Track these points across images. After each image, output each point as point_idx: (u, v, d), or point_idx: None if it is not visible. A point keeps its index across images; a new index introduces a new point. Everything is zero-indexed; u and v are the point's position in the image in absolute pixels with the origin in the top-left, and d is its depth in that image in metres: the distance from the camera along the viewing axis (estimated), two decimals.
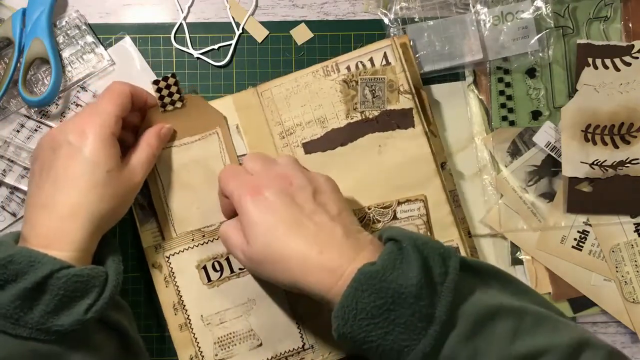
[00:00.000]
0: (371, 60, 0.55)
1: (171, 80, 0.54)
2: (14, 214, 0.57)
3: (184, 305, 0.54)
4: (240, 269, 0.55)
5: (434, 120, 0.56)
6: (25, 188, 0.57)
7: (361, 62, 0.55)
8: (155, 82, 0.53)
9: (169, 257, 0.54)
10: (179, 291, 0.54)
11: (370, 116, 0.55)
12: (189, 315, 0.54)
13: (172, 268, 0.54)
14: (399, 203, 0.55)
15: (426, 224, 0.55)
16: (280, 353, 0.54)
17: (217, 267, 0.54)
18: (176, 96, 0.54)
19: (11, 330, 0.42)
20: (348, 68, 0.55)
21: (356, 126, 0.55)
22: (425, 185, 0.55)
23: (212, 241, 0.55)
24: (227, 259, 0.55)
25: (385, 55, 0.55)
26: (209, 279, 0.54)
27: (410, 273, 0.41)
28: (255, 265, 0.46)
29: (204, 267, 0.54)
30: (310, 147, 0.55)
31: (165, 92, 0.54)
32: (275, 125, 0.55)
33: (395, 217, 0.55)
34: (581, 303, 0.58)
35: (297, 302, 0.54)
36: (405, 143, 0.55)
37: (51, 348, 0.43)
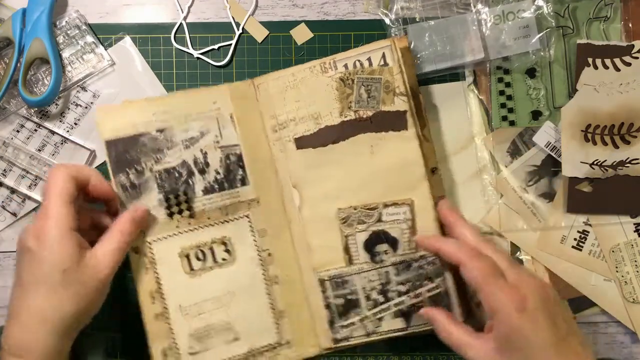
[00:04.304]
0: (369, 59, 0.54)
1: (182, 198, 0.53)
2: (14, 214, 0.57)
3: (162, 294, 0.53)
4: (223, 259, 0.54)
5: (428, 124, 0.55)
6: (25, 190, 0.57)
7: (359, 61, 0.55)
8: (166, 200, 0.53)
9: (151, 243, 0.53)
10: (159, 279, 0.53)
11: (364, 116, 0.54)
12: (166, 305, 0.53)
13: (153, 254, 0.53)
14: (385, 205, 0.54)
15: (411, 228, 0.54)
16: (256, 348, 0.54)
17: (201, 256, 0.54)
18: (186, 213, 0.54)
19: None
20: (346, 66, 0.55)
21: (349, 125, 0.55)
22: (414, 189, 0.54)
23: (197, 229, 0.54)
24: (211, 249, 0.54)
25: (383, 56, 0.54)
26: (191, 268, 0.54)
27: None
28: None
29: (187, 255, 0.54)
30: (302, 142, 0.55)
31: (175, 208, 0.54)
32: (269, 119, 0.55)
33: (380, 220, 0.54)
34: (581, 303, 0.58)
35: (276, 297, 0.54)
36: (397, 145, 0.54)
37: None
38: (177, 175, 0.53)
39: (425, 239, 0.52)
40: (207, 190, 0.54)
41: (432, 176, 0.54)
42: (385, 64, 0.54)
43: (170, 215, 0.53)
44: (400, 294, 0.54)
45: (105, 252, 0.48)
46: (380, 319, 0.54)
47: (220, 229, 0.54)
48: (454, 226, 0.52)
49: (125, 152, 0.53)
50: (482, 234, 0.53)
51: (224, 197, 0.54)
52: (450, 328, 0.49)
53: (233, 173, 0.54)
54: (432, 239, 0.52)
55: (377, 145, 0.54)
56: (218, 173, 0.54)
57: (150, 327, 0.53)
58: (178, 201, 0.53)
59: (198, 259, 0.54)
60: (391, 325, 0.54)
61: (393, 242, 0.54)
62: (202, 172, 0.54)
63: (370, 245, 0.54)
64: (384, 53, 0.54)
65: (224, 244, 0.54)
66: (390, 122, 0.54)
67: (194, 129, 0.54)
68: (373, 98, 0.54)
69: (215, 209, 0.54)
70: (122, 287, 0.57)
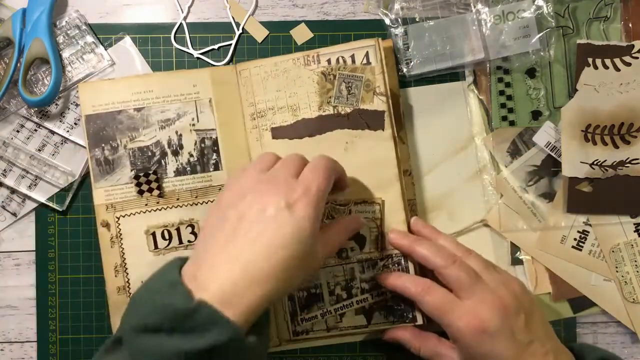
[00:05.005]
0: (352, 57, 0.54)
1: (152, 177, 0.54)
2: (14, 214, 0.57)
3: (126, 268, 0.54)
4: (189, 241, 0.55)
5: (405, 128, 0.55)
6: (25, 190, 0.57)
7: (342, 57, 0.55)
8: (136, 177, 0.54)
9: (119, 218, 0.54)
10: (124, 253, 0.54)
11: (343, 112, 0.54)
12: (129, 279, 0.54)
13: (120, 229, 0.54)
14: (356, 203, 0.54)
15: (379, 227, 0.54)
16: None
17: (166, 236, 0.54)
18: (156, 192, 0.54)
19: None
20: (329, 61, 0.55)
21: (327, 119, 0.55)
22: (385, 189, 0.54)
23: (165, 209, 0.54)
24: (178, 230, 0.55)
25: (367, 55, 0.54)
26: (156, 246, 0.54)
27: None
28: None
29: (153, 234, 0.54)
30: (278, 132, 0.55)
31: (145, 187, 0.54)
32: (248, 106, 0.55)
33: None
34: (581, 303, 0.58)
35: None
36: (372, 144, 0.54)
37: None
38: (150, 154, 0.55)
39: (386, 279, 0.52)
40: (179, 172, 0.55)
41: (404, 178, 0.55)
42: (368, 63, 0.54)
43: (140, 192, 0.54)
44: (363, 291, 0.54)
45: (327, 244, 0.48)
46: (342, 315, 0.54)
47: (188, 210, 0.55)
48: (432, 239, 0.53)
49: (103, 128, 0.54)
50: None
51: (196, 180, 0.55)
52: (418, 343, 0.52)
53: (207, 157, 0.55)
54: (392, 277, 0.52)
55: (352, 142, 0.54)
56: (191, 156, 0.55)
57: (112, 299, 0.54)
58: (148, 180, 0.54)
59: (164, 238, 0.54)
60: (352, 322, 0.54)
61: (360, 240, 0.54)
62: (175, 153, 0.55)
63: None
64: (367, 52, 0.54)
65: (192, 226, 0.55)
66: (368, 120, 0.54)
67: (171, 110, 0.55)
68: (353, 95, 0.54)
69: (185, 190, 0.55)
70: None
